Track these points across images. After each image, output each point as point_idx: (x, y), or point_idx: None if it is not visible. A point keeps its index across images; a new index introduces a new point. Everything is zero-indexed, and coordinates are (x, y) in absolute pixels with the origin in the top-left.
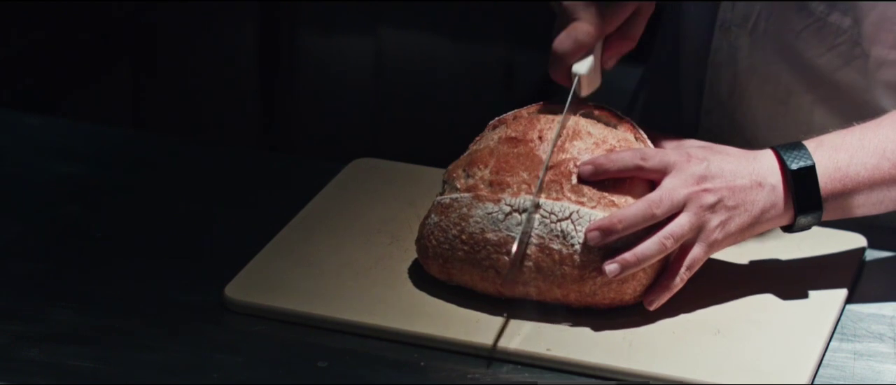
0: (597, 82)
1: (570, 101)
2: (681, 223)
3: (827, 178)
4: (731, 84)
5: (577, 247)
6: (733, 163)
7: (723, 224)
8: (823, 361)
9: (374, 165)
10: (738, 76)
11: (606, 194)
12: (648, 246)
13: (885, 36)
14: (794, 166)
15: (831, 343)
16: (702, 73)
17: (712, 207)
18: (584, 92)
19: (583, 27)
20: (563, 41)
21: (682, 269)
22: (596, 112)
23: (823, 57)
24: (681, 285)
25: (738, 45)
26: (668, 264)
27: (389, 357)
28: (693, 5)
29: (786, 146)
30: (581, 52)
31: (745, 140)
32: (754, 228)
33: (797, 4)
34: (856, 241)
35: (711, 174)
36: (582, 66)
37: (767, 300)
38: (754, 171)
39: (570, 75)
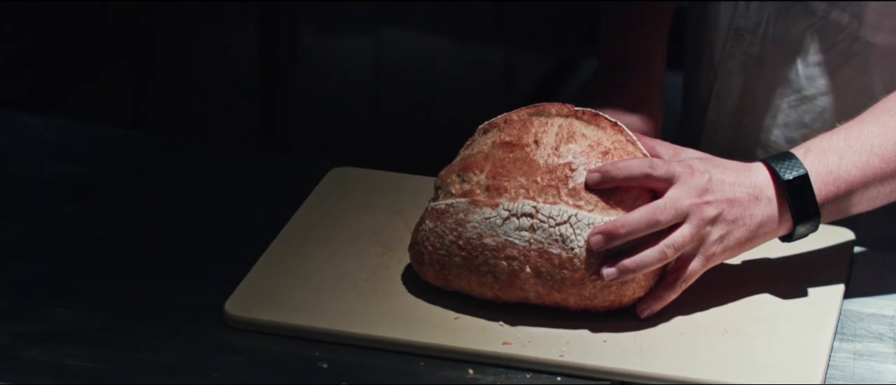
0: None
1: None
2: (683, 234)
3: (820, 183)
4: (741, 90)
5: (577, 251)
6: (732, 176)
7: (722, 238)
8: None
9: (353, 174)
10: (749, 82)
11: (604, 198)
12: (649, 254)
13: (887, 21)
14: (787, 177)
15: (832, 343)
16: (710, 84)
17: (713, 221)
18: None
19: None
20: None
21: (679, 281)
22: (587, 116)
23: (826, 54)
24: (675, 297)
25: (751, 51)
26: (665, 274)
27: (390, 359)
28: (696, 16)
29: (775, 158)
30: None
31: (751, 145)
32: (752, 242)
33: (801, 5)
34: (844, 234)
35: (712, 187)
36: None
37: (767, 299)
38: (751, 185)
39: None
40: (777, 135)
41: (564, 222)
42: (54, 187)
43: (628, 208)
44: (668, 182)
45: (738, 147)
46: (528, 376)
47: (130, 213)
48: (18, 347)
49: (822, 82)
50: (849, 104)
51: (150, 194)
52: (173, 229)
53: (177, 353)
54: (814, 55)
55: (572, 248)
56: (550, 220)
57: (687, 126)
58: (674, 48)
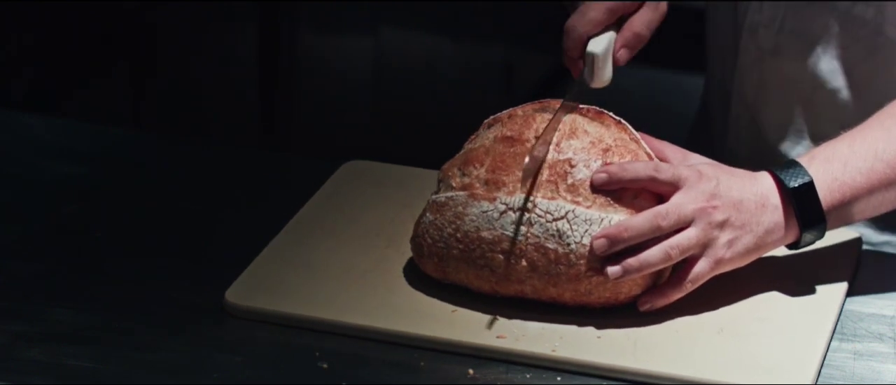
0: (607, 77)
1: (576, 89)
2: (688, 236)
3: (826, 190)
4: (758, 86)
5: (574, 246)
6: (739, 183)
7: (730, 243)
8: (824, 361)
9: (365, 167)
10: (765, 76)
11: (603, 195)
12: (653, 254)
13: None
14: (792, 184)
15: (831, 343)
16: (729, 78)
17: (721, 225)
18: (595, 84)
19: (595, 5)
20: (576, 19)
21: (686, 282)
22: (591, 113)
23: (849, 50)
24: (680, 296)
25: (765, 47)
26: (667, 271)
27: (390, 357)
28: (716, 11)
29: (781, 166)
30: (595, 29)
31: (771, 141)
32: (760, 250)
33: (820, 3)
34: (850, 236)
35: (720, 192)
36: (597, 46)
37: (767, 298)
38: (758, 192)
39: (583, 57)
40: (797, 129)
41: (562, 218)
42: (54, 187)
43: (628, 205)
44: (674, 186)
45: (758, 142)
46: (528, 376)
47: (130, 213)
48: (18, 347)
49: (842, 76)
50: (871, 98)
51: (150, 194)
52: (173, 229)
53: (177, 353)
54: (835, 49)
55: (569, 244)
56: (548, 215)
57: (710, 125)
58: (696, 49)
